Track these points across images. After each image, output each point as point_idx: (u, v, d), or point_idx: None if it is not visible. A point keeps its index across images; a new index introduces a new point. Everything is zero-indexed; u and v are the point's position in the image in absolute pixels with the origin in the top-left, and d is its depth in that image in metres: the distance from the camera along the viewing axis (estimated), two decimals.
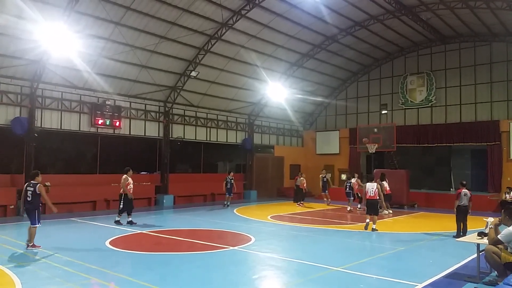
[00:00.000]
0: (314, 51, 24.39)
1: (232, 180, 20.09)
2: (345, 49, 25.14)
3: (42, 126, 17.62)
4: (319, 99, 28.86)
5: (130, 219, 13.88)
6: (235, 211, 18.60)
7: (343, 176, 27.09)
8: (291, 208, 19.99)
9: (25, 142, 17.01)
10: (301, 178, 21.81)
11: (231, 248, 10.29)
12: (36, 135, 17.08)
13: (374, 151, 23.11)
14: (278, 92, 23.69)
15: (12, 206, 16.33)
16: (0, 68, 16.27)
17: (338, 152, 28.94)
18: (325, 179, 22.13)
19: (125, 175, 14.21)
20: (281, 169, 28.67)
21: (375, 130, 23.43)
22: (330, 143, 29.36)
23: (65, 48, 15.31)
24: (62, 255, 9.09)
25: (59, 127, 18.29)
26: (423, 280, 7.42)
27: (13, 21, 14.88)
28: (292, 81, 25.56)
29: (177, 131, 22.91)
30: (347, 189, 20.02)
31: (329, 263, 8.63)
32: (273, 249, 10.34)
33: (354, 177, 20.58)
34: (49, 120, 17.97)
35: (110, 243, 10.65)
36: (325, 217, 16.94)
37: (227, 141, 25.82)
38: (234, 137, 26.25)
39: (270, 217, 16.39)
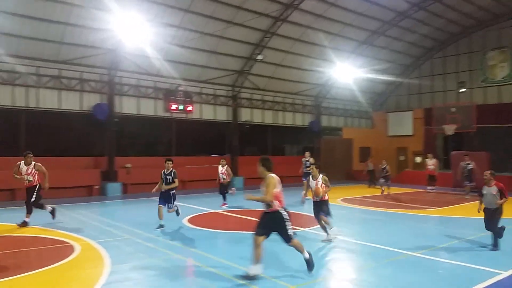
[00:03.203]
0: (384, 27, 23.33)
1: (170, 177, 10.23)
2: (418, 25, 23.77)
3: (121, 112, 18.77)
4: (390, 78, 27.66)
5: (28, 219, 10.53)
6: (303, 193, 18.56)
7: (418, 159, 25.92)
8: (361, 191, 19.56)
9: (106, 127, 18.26)
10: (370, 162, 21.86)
11: (302, 229, 10.31)
12: (116, 120, 18.25)
13: (452, 133, 21.82)
14: (346, 73, 23.10)
15: (97, 186, 17.68)
16: (82, 58, 17.50)
17: (412, 133, 27.64)
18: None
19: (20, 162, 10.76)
20: (349, 151, 28.07)
21: (453, 110, 22.09)
22: (403, 124, 28.10)
23: (139, 37, 16.06)
24: (144, 232, 9.71)
25: (137, 112, 19.38)
26: (509, 268, 6.94)
27: (92, 12, 15.83)
28: (361, 60, 24.74)
29: (245, 115, 23.27)
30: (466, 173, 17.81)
31: (404, 248, 8.35)
32: (344, 232, 10.19)
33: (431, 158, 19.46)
34: (127, 106, 19.10)
35: (188, 221, 11.16)
36: (399, 201, 16.39)
37: (294, 124, 25.75)
38: (301, 120, 26.11)
39: (340, 200, 16.20)
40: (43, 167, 10.58)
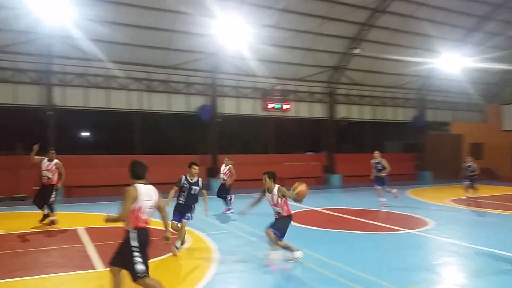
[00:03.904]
0: (496, 12, 21.23)
1: (196, 187, 8.21)
2: None
3: (223, 112, 19.72)
4: (505, 67, 24.92)
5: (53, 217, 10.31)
6: (407, 193, 17.70)
7: None
8: (472, 191, 17.97)
9: (209, 127, 19.35)
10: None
11: (407, 231, 9.88)
12: (219, 120, 19.27)
13: None
14: (452, 63, 21.42)
15: (204, 182, 18.75)
16: (187, 62, 18.70)
17: None
18: None
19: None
20: (459, 148, 25.98)
21: None
22: None
23: (239, 40, 16.69)
24: (247, 226, 10.12)
25: (236, 112, 20.21)
26: None
27: (195, 18, 16.80)
28: (470, 49, 22.69)
29: (342, 111, 22.86)
30: None
31: None
32: (455, 235, 9.52)
33: None
34: (228, 106, 20.02)
35: None
36: None
37: (395, 119, 24.62)
38: (402, 115, 24.88)
39: (450, 201, 15.11)
40: (63, 168, 10.29)
